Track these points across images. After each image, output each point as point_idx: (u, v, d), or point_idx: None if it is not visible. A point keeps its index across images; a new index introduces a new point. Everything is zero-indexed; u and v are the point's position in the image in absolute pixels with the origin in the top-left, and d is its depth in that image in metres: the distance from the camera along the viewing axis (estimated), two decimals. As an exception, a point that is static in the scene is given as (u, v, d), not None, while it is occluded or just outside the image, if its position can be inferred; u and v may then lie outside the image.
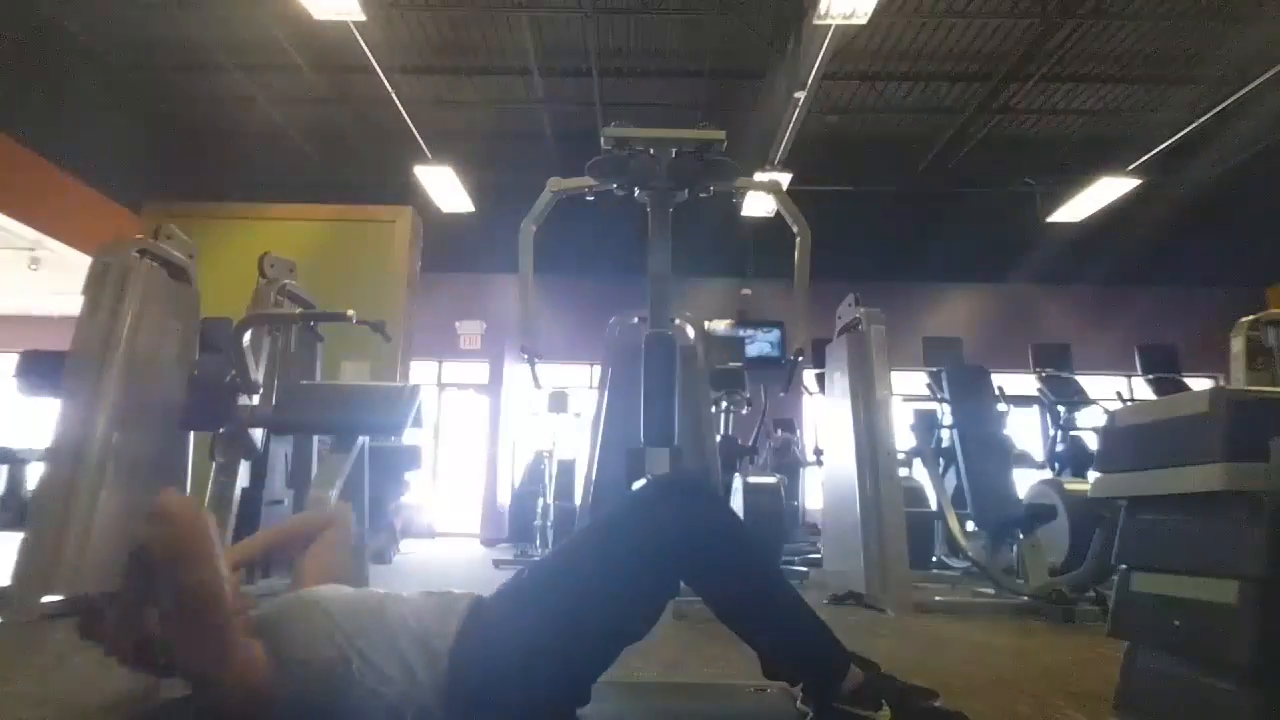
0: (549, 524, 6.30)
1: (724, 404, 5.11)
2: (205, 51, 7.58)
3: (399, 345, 5.75)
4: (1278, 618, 1.27)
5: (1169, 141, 8.04)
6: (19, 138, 6.65)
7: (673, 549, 1.35)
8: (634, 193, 3.30)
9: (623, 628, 1.35)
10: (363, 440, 3.38)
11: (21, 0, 6.76)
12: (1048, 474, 4.96)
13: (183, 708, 1.58)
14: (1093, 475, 1.75)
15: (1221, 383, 7.92)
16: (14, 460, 4.38)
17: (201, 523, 1.13)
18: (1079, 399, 5.21)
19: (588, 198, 3.39)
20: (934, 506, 4.43)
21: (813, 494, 7.12)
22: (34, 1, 6.82)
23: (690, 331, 4.08)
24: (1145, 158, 8.22)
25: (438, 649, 1.24)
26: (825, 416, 4.25)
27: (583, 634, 1.30)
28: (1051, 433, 5.25)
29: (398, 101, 7.65)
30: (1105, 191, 8.39)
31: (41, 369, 3.34)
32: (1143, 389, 5.46)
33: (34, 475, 3.61)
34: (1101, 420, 4.51)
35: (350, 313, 3.40)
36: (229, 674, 1.16)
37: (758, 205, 8.03)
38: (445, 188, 8.41)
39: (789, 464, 7.01)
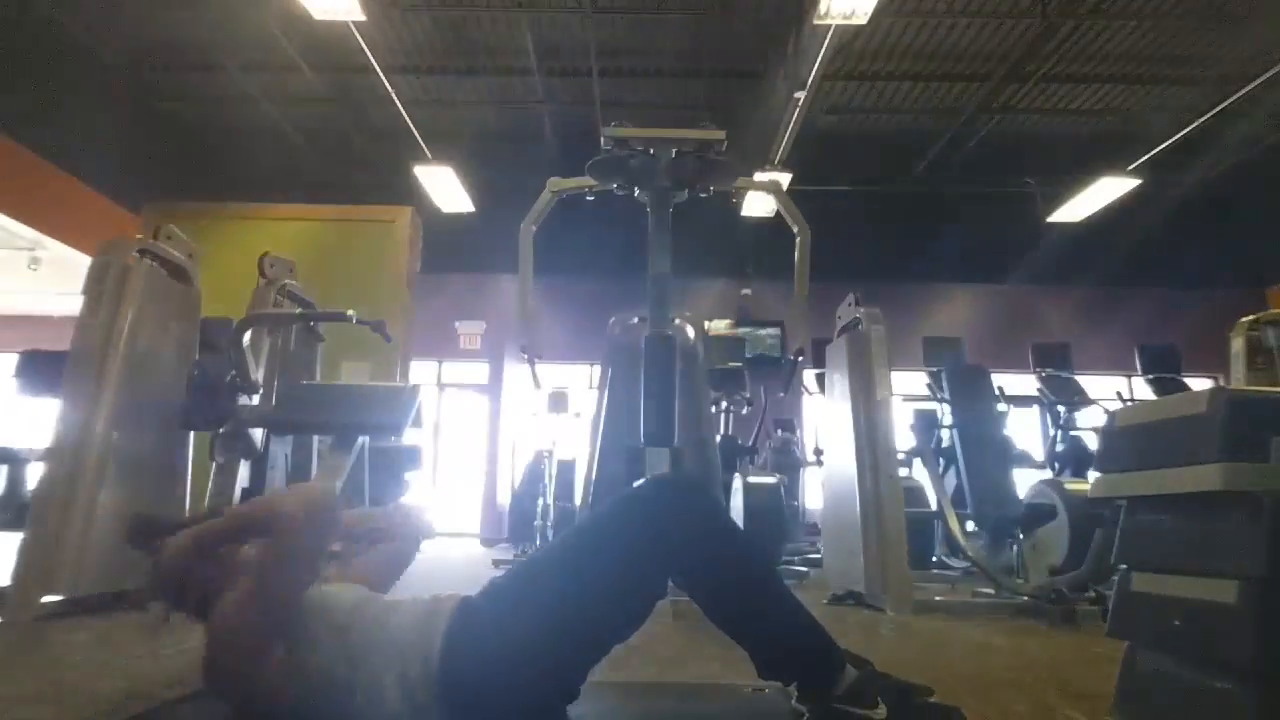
0: (549, 524, 6.30)
1: (724, 404, 5.11)
2: (205, 51, 7.58)
3: (399, 345, 5.74)
4: (1278, 618, 1.27)
5: (1169, 141, 8.03)
6: (19, 138, 6.64)
7: (663, 546, 1.34)
8: (634, 193, 3.30)
9: (611, 625, 1.34)
10: (363, 440, 3.38)
11: (20, 0, 6.76)
12: (1048, 474, 4.96)
13: (182, 708, 1.58)
14: (1093, 475, 1.75)
15: (1221, 383, 7.92)
16: (14, 460, 4.36)
17: (329, 527, 1.25)
18: (1079, 399, 5.20)
19: (588, 197, 3.39)
20: (934, 506, 4.43)
21: (813, 494, 7.12)
22: (33, 1, 6.81)
23: (690, 331, 4.08)
24: (1145, 158, 8.22)
25: (425, 656, 1.23)
26: (825, 416, 4.25)
27: (571, 631, 1.29)
28: (1051, 433, 5.25)
29: (398, 101, 7.64)
30: (1105, 191, 8.38)
31: (41, 369, 3.34)
32: (1143, 389, 5.46)
33: (34, 475, 3.61)
34: (1101, 420, 4.52)
35: (350, 313, 3.40)
36: (249, 664, 1.18)
37: (758, 205, 8.03)
38: (445, 188, 8.41)
39: (789, 464, 7.01)
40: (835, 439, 3.95)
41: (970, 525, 4.08)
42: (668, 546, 1.34)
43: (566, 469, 6.69)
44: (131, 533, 1.29)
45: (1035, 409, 5.47)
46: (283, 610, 1.20)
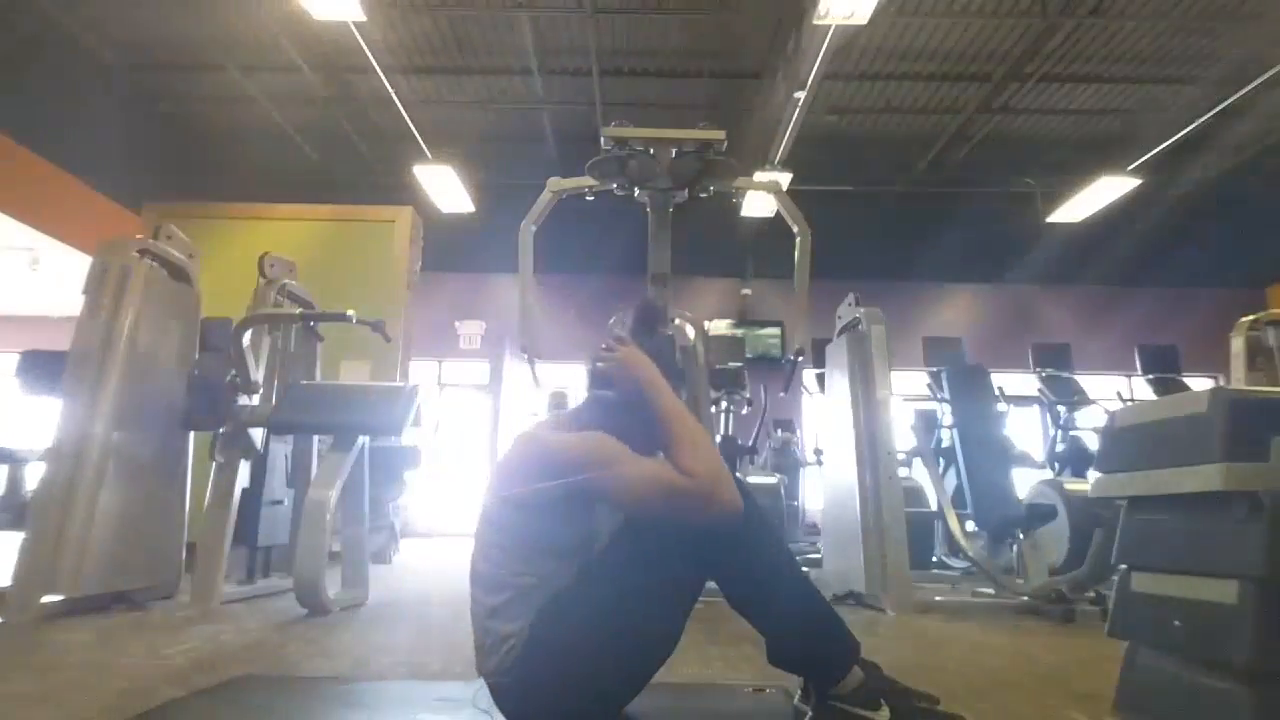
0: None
1: (724, 404, 5.11)
2: (205, 51, 7.58)
3: (399, 345, 5.74)
4: (1278, 618, 1.27)
5: (1169, 141, 8.03)
6: (19, 138, 6.64)
7: (698, 531, 1.36)
8: (634, 193, 3.30)
9: (668, 619, 1.38)
10: (363, 440, 3.38)
11: (21, 0, 6.76)
12: (1048, 474, 4.96)
13: (182, 708, 1.58)
14: (1093, 475, 1.75)
15: (1221, 383, 7.92)
16: (14, 460, 4.36)
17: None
18: (1079, 399, 5.20)
19: (588, 197, 3.39)
20: (934, 506, 4.43)
21: (813, 494, 7.12)
22: (34, 1, 6.81)
23: (690, 331, 4.08)
24: (1145, 158, 8.21)
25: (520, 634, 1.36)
26: (825, 416, 4.25)
27: (628, 638, 1.33)
28: (1051, 433, 5.25)
29: (398, 101, 7.64)
30: (1105, 191, 8.38)
31: (41, 369, 3.34)
32: (1143, 389, 5.46)
33: (34, 475, 3.61)
34: (1101, 420, 4.52)
35: (350, 313, 3.40)
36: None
37: (758, 205, 8.02)
38: (445, 188, 8.40)
39: (789, 464, 7.01)
40: (835, 439, 3.95)
41: (970, 525, 4.08)
42: (701, 530, 1.36)
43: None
44: (642, 312, 1.61)
45: (1035, 409, 5.48)
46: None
